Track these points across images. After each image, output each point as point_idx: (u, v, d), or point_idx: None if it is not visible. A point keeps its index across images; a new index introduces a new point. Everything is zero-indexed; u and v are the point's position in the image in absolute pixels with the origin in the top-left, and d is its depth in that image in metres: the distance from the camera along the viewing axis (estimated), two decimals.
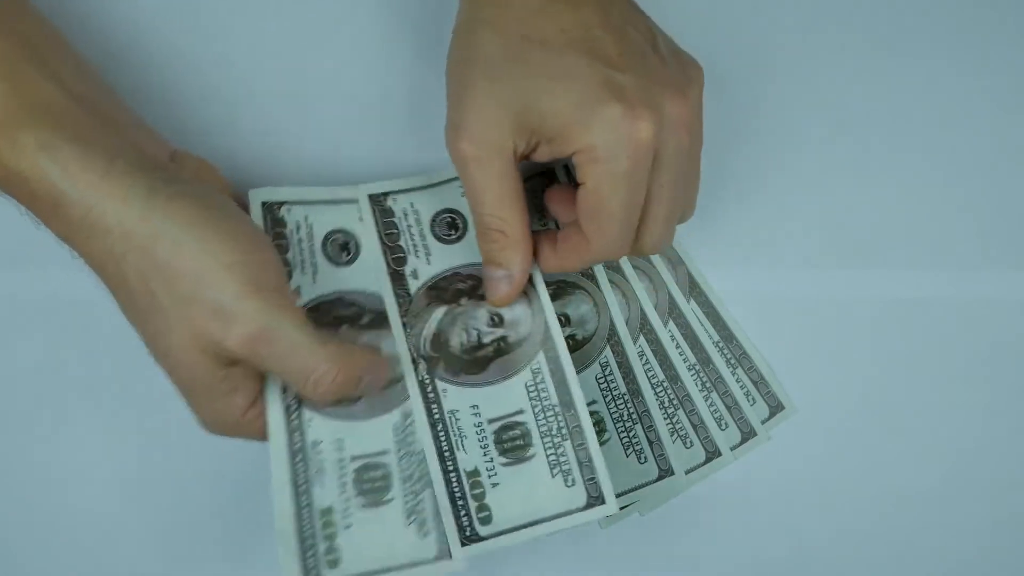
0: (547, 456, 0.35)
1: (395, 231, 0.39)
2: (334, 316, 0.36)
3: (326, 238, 0.37)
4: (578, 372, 0.38)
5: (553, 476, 0.35)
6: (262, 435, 0.34)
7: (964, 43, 0.45)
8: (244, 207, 0.37)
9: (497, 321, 0.38)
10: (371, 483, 0.34)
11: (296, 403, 0.35)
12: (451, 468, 0.35)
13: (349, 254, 0.37)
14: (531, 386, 0.36)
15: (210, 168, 0.36)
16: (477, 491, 0.35)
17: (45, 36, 0.34)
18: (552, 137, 0.32)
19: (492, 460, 0.35)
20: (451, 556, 0.33)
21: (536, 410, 0.36)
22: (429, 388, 0.36)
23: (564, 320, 0.40)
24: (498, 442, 0.35)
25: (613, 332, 0.42)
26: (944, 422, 0.43)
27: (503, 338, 0.37)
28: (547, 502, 0.34)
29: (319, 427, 0.34)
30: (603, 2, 0.33)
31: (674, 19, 0.44)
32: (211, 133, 0.41)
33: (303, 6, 0.42)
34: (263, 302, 0.31)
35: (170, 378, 0.32)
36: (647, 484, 0.41)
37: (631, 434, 0.41)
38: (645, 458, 0.41)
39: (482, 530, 0.34)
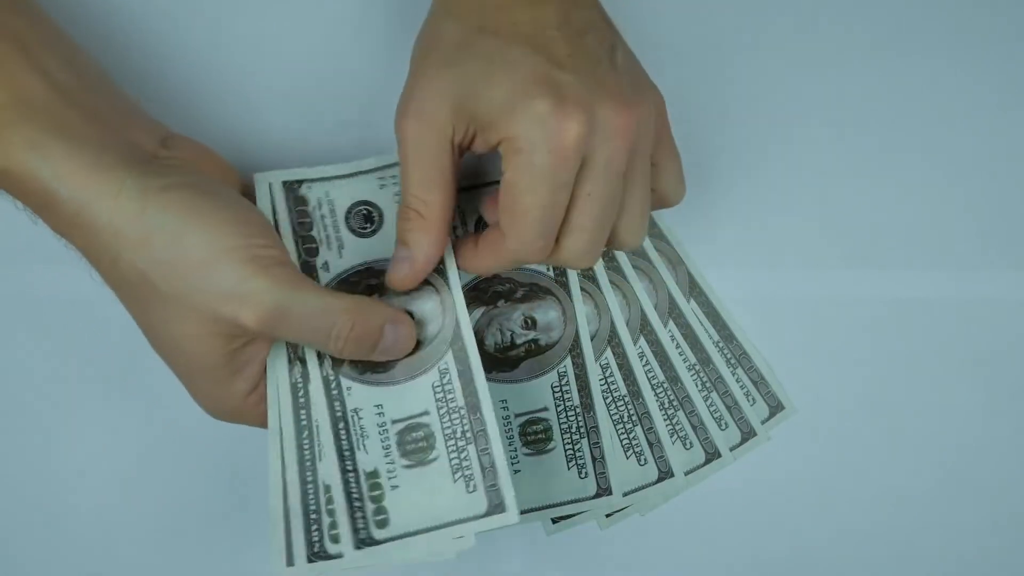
0: (450, 460, 0.35)
1: (308, 220, 0.38)
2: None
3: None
4: (532, 378, 0.39)
5: (455, 481, 0.34)
6: (262, 422, 0.35)
7: (964, 43, 0.44)
8: (249, 190, 0.37)
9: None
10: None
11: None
12: (350, 468, 0.35)
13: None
14: (437, 387, 0.36)
15: (207, 152, 0.36)
16: (376, 492, 0.35)
17: (32, 26, 0.33)
18: (485, 125, 0.32)
19: (393, 462, 0.35)
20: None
21: (441, 412, 0.35)
22: (333, 386, 0.36)
23: (530, 323, 0.40)
24: (400, 444, 0.35)
25: (614, 334, 0.42)
26: (944, 422, 0.43)
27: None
28: (446, 507, 0.34)
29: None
30: (566, 5, 0.33)
31: (674, 18, 0.44)
32: (208, 119, 0.41)
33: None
34: (272, 279, 0.31)
35: (171, 367, 0.33)
36: (647, 486, 0.41)
37: (631, 436, 0.41)
38: (645, 460, 0.41)
39: (377, 533, 0.34)
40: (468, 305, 0.37)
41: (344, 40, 0.42)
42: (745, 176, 0.43)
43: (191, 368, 0.33)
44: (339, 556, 0.33)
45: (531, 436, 0.39)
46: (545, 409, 0.39)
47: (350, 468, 0.34)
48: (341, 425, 0.35)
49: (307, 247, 0.38)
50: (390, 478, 0.34)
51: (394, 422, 0.35)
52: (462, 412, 0.35)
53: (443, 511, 0.34)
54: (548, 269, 0.41)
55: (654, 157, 0.35)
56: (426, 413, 0.35)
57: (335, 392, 0.36)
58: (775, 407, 0.43)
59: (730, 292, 0.43)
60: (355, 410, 0.35)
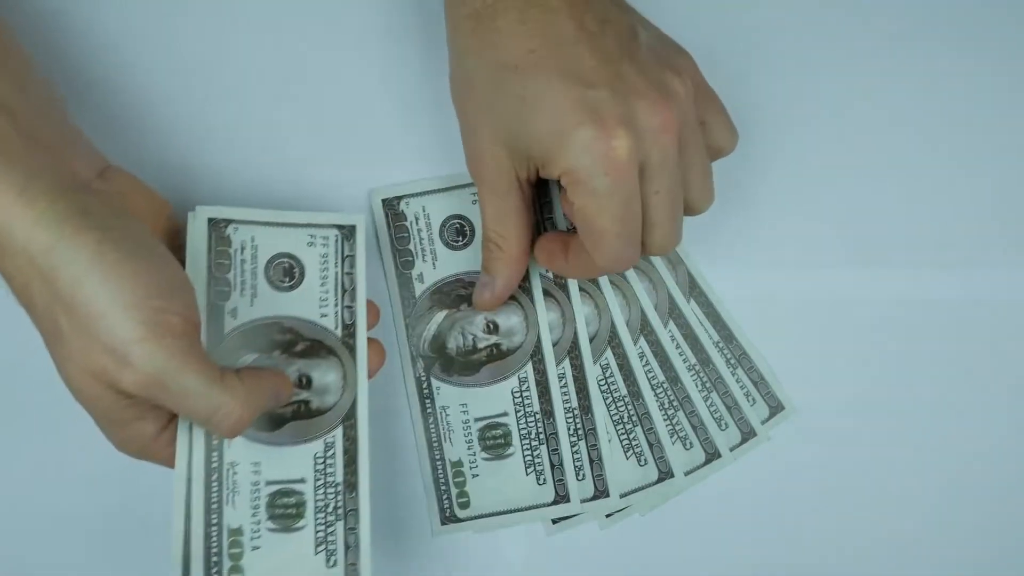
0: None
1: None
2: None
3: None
4: (493, 383, 0.40)
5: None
6: (171, 461, 0.34)
7: (966, 43, 0.44)
8: (181, 229, 0.36)
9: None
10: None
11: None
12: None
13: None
14: (319, 457, 0.36)
15: (142, 188, 0.35)
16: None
17: None
18: (540, 163, 0.33)
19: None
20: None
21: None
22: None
23: (492, 327, 0.41)
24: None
25: (614, 334, 0.42)
26: (944, 422, 0.43)
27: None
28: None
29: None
30: (578, 8, 0.33)
31: (674, 18, 0.44)
32: (169, 149, 0.41)
33: (274, 24, 0.42)
34: (160, 348, 0.30)
35: (77, 401, 0.32)
36: (647, 486, 0.41)
37: (631, 436, 0.41)
38: (645, 460, 0.41)
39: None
40: (430, 308, 0.40)
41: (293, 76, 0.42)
42: (745, 176, 0.43)
43: (90, 408, 0.32)
44: None
45: (490, 441, 0.40)
46: (505, 414, 0.40)
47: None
48: (215, 478, 0.35)
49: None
50: (253, 538, 0.34)
51: (268, 483, 0.35)
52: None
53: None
54: None
55: (700, 117, 0.35)
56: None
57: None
58: (775, 407, 0.43)
59: (730, 292, 0.43)
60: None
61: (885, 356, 0.43)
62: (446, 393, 0.40)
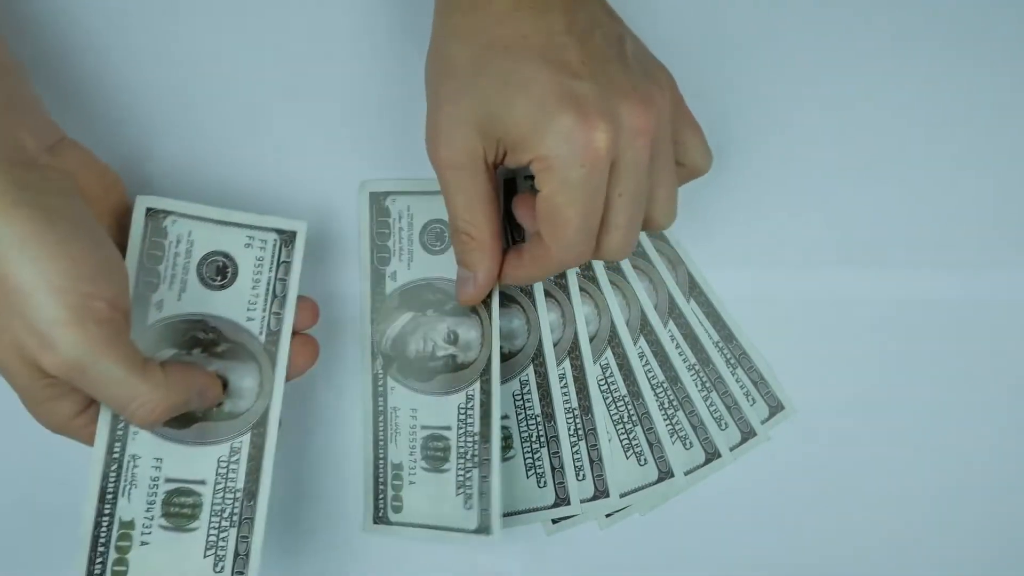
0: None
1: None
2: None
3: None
4: (443, 395, 0.40)
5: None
6: (91, 440, 0.34)
7: (966, 43, 0.44)
8: (130, 208, 0.36)
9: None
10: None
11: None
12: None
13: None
14: (223, 461, 0.36)
15: (94, 163, 0.35)
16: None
17: None
18: (513, 145, 0.33)
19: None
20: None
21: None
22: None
23: (453, 338, 0.40)
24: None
25: (614, 334, 0.42)
26: (944, 422, 0.43)
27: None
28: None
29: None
30: (570, 6, 0.33)
31: (676, 17, 0.44)
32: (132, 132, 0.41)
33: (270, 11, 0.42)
34: (83, 334, 0.30)
35: None
36: (647, 486, 0.41)
37: (631, 436, 0.41)
38: (645, 460, 0.41)
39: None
40: (398, 308, 0.40)
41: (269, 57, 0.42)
42: (746, 175, 0.43)
43: (11, 382, 0.32)
44: None
45: (430, 452, 0.39)
46: (448, 428, 0.39)
47: (107, 512, 0.35)
48: (113, 468, 0.35)
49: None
50: (144, 533, 0.34)
51: (167, 480, 0.35)
52: (238, 493, 0.36)
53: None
54: None
55: (676, 135, 0.35)
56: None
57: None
58: (775, 407, 0.43)
59: (730, 292, 0.43)
60: (133, 455, 0.35)
61: (885, 356, 0.43)
62: (399, 395, 0.40)
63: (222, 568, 0.35)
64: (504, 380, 0.40)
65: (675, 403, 0.42)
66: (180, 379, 0.33)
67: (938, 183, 0.44)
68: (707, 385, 0.42)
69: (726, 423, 0.42)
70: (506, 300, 0.41)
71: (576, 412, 0.41)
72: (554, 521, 0.41)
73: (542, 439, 0.40)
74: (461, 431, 0.39)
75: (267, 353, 0.36)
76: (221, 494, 0.35)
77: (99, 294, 0.30)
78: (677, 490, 0.41)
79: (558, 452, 0.40)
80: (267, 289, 0.37)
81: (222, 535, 0.35)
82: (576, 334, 0.41)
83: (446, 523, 0.38)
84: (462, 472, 0.39)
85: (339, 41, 0.42)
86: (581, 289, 0.42)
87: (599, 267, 0.42)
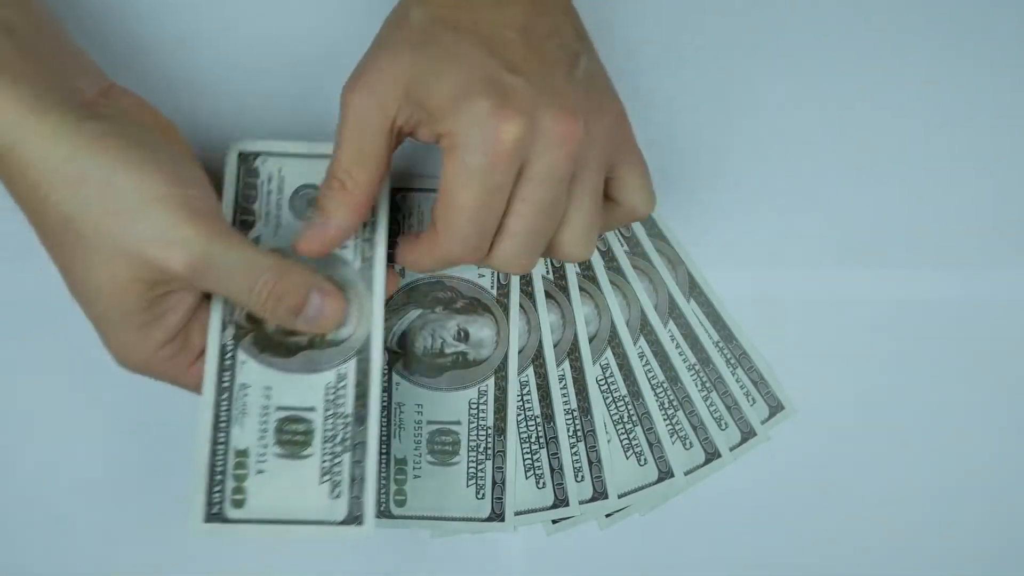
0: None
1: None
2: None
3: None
4: (452, 390, 0.40)
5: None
6: (171, 377, 0.35)
7: (966, 42, 0.44)
8: (190, 151, 0.36)
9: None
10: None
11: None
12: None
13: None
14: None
15: (146, 106, 0.36)
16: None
17: None
18: (429, 116, 0.32)
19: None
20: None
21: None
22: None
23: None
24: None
25: (614, 334, 0.42)
26: (944, 422, 0.43)
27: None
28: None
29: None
30: (534, 9, 0.33)
31: (675, 18, 0.44)
32: (187, 86, 0.42)
33: None
34: (198, 228, 0.31)
35: (87, 312, 0.33)
36: (647, 486, 0.41)
37: (631, 436, 0.41)
38: (645, 460, 0.41)
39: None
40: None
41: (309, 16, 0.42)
42: (745, 176, 0.43)
43: (109, 313, 0.32)
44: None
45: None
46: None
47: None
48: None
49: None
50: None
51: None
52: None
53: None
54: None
55: (614, 169, 0.35)
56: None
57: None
58: (775, 407, 0.43)
59: (730, 292, 0.43)
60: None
61: (885, 356, 0.43)
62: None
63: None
64: (462, 386, 0.41)
65: (675, 403, 0.42)
66: (296, 267, 0.34)
67: (938, 183, 0.44)
68: (707, 385, 0.42)
69: (726, 423, 0.42)
70: (480, 309, 0.41)
71: (575, 413, 0.41)
72: (554, 521, 0.41)
73: (541, 440, 0.41)
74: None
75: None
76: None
77: (199, 195, 0.32)
78: (677, 490, 0.41)
79: (557, 453, 0.40)
80: None
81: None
82: (576, 335, 0.41)
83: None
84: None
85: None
86: (581, 289, 0.42)
87: (599, 267, 0.42)
